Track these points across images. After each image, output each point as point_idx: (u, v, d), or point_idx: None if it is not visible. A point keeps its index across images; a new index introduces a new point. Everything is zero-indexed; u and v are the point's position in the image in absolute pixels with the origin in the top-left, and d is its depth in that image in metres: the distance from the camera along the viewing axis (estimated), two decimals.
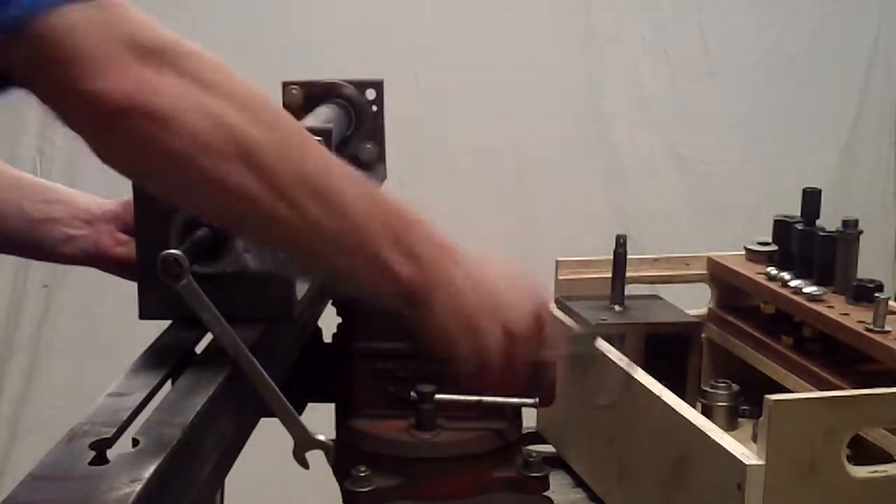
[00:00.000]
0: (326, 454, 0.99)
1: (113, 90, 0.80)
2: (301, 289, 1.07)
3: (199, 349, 1.03)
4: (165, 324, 1.06)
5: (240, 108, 0.86)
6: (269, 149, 0.86)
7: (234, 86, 0.87)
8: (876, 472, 1.12)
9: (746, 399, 1.44)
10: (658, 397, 1.24)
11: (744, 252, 1.61)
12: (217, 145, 0.84)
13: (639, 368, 1.31)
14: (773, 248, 1.57)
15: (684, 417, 1.18)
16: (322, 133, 1.13)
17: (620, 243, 1.52)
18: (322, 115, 1.35)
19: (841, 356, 1.39)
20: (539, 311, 1.05)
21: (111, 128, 0.82)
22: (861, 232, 1.46)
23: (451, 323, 0.99)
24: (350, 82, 1.42)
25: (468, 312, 0.99)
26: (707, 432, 1.14)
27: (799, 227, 1.51)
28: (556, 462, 1.48)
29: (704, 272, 1.64)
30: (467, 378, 1.04)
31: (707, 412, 1.38)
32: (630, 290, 1.54)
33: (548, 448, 1.52)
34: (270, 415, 0.99)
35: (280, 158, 0.87)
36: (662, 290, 1.60)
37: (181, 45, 0.85)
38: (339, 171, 0.93)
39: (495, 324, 1.01)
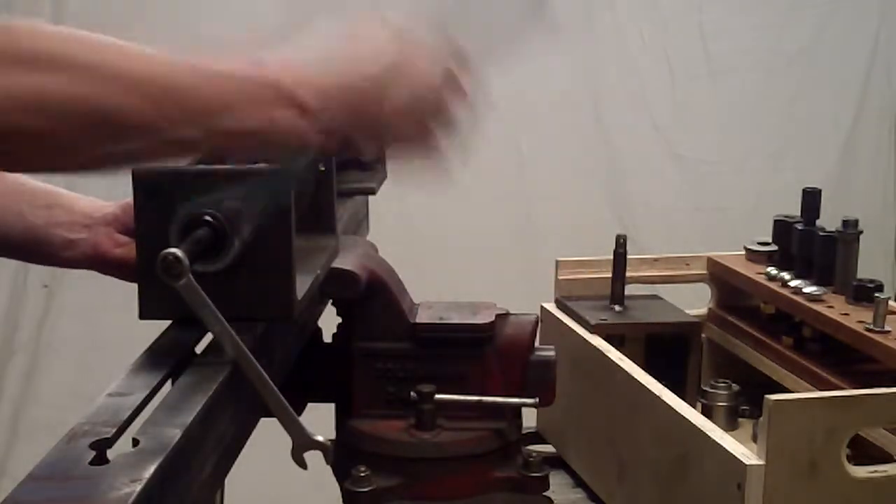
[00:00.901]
0: (325, 455, 0.99)
1: None
2: (301, 289, 1.07)
3: (199, 349, 1.03)
4: (165, 324, 1.06)
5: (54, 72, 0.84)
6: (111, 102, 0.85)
7: (39, 48, 0.85)
8: (876, 472, 1.12)
9: (746, 399, 1.44)
10: (658, 397, 1.24)
11: (744, 252, 1.61)
12: (26, 125, 0.84)
13: (638, 368, 1.32)
14: (773, 248, 1.57)
15: (684, 417, 1.18)
16: None
17: (620, 243, 1.52)
18: None
19: (841, 356, 1.39)
20: (441, 67, 0.99)
21: None
22: (861, 232, 1.46)
23: (362, 120, 0.95)
24: None
25: (364, 108, 0.95)
26: (707, 432, 1.14)
27: (799, 227, 1.51)
28: (556, 462, 1.49)
29: (704, 272, 1.64)
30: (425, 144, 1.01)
31: (707, 412, 1.38)
32: (630, 290, 1.54)
33: (548, 448, 1.52)
34: (271, 415, 0.99)
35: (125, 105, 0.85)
36: (662, 290, 1.60)
37: None
38: (175, 72, 0.89)
39: (399, 93, 0.96)
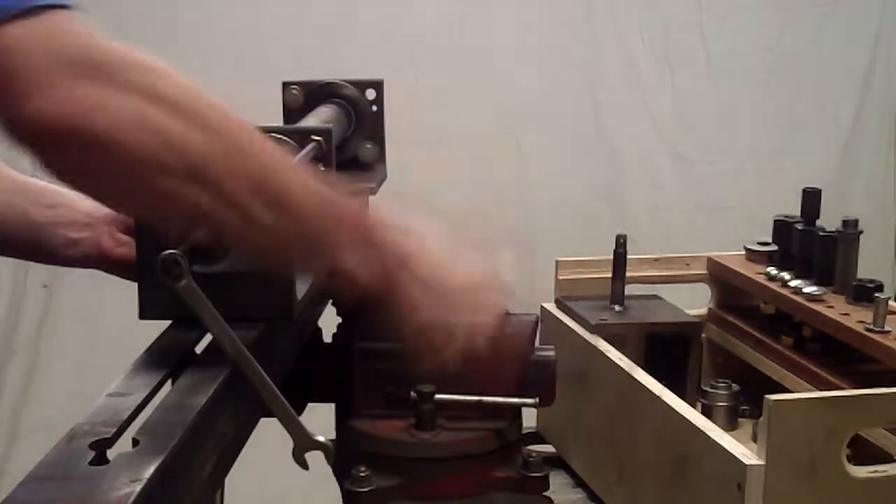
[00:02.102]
0: (326, 455, 0.99)
1: (50, 111, 0.79)
2: (301, 289, 1.07)
3: (199, 349, 1.03)
4: (165, 324, 1.06)
5: (184, 119, 0.84)
6: (215, 158, 0.85)
7: (179, 95, 0.85)
8: (876, 472, 1.12)
9: (746, 399, 1.44)
10: (658, 397, 1.24)
11: (744, 252, 1.61)
12: (160, 161, 0.83)
13: (638, 368, 1.32)
14: (773, 248, 1.57)
15: (684, 417, 1.18)
16: (322, 133, 1.13)
17: (620, 243, 1.52)
18: (322, 115, 1.35)
19: (841, 356, 1.39)
20: (497, 331, 1.06)
21: (51, 147, 0.81)
22: (861, 232, 1.46)
23: (415, 324, 1.00)
24: (350, 82, 1.42)
25: (430, 316, 1.00)
26: (707, 432, 1.14)
27: (799, 227, 1.51)
28: (556, 462, 1.49)
29: (704, 272, 1.64)
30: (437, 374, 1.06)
31: (707, 412, 1.38)
32: (630, 290, 1.54)
33: (548, 448, 1.52)
34: (271, 415, 0.99)
35: (226, 167, 0.86)
36: (662, 290, 1.60)
37: (124, 55, 0.84)
38: (294, 178, 0.92)
39: (451, 340, 1.02)
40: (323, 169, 1.15)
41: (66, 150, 0.81)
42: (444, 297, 1.02)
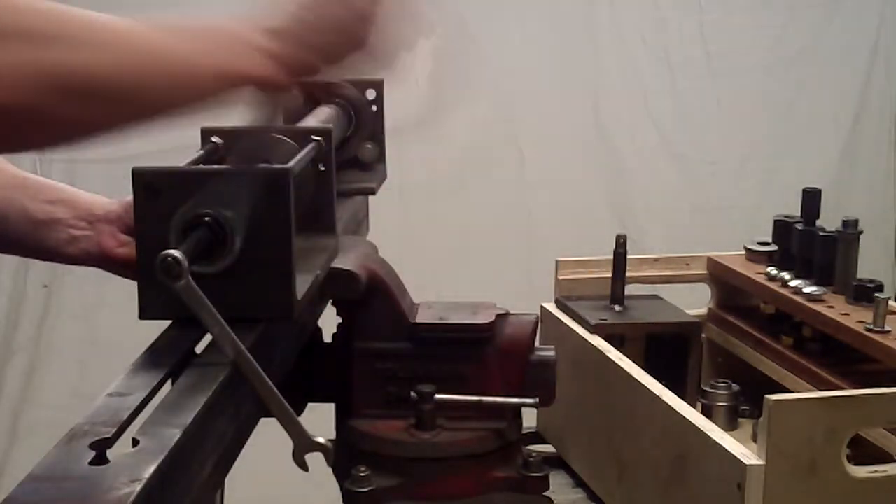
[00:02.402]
0: (325, 456, 0.99)
1: None
2: (301, 289, 1.07)
3: (199, 349, 1.03)
4: (165, 324, 1.06)
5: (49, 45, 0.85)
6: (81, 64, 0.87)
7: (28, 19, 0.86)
8: (876, 472, 1.12)
9: (746, 399, 1.44)
10: (658, 397, 1.24)
11: (744, 252, 1.61)
12: (40, 100, 0.85)
13: (638, 368, 1.32)
14: (773, 248, 1.57)
15: (684, 417, 1.18)
16: (322, 133, 1.13)
17: (620, 243, 1.52)
18: (322, 115, 1.34)
19: (841, 356, 1.39)
20: None
21: None
22: (861, 232, 1.46)
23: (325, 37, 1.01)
24: (350, 82, 1.42)
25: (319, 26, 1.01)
26: (707, 432, 1.14)
27: (799, 227, 1.51)
28: (556, 462, 1.49)
29: (704, 272, 1.64)
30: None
31: (707, 412, 1.38)
32: (630, 290, 1.54)
33: (548, 448, 1.52)
34: (271, 415, 0.99)
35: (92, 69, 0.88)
36: (662, 290, 1.60)
37: None
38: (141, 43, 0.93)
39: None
40: (323, 170, 1.15)
41: None
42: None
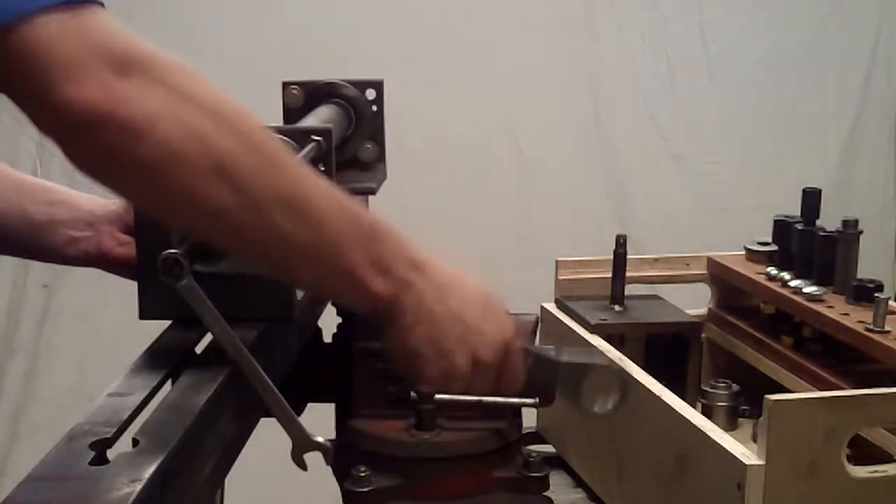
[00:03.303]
0: (324, 456, 0.99)
1: (83, 99, 0.79)
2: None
3: (199, 349, 1.03)
4: (165, 324, 1.06)
5: (216, 120, 0.85)
6: (245, 162, 0.86)
7: (211, 96, 0.86)
8: (876, 472, 1.12)
9: (746, 399, 1.44)
10: (658, 397, 1.24)
11: (744, 252, 1.60)
12: (191, 157, 0.83)
13: (638, 368, 1.32)
14: (773, 248, 1.57)
15: (684, 417, 1.18)
16: (322, 133, 1.13)
17: (620, 243, 1.52)
18: (322, 115, 1.35)
19: (841, 356, 1.39)
20: (508, 344, 1.05)
21: (82, 136, 0.81)
22: (861, 232, 1.45)
23: (419, 343, 1.00)
24: (350, 82, 1.42)
25: (436, 335, 1.00)
26: (707, 432, 1.14)
27: (799, 227, 1.51)
28: (556, 462, 1.49)
29: (704, 272, 1.64)
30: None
31: (707, 412, 1.38)
32: (630, 290, 1.54)
33: (548, 448, 1.52)
34: (271, 415, 0.99)
35: (255, 172, 0.86)
36: (662, 290, 1.60)
37: (158, 54, 0.85)
38: (314, 186, 0.92)
39: (463, 350, 1.01)
40: (323, 170, 1.15)
41: (97, 137, 0.81)
42: (457, 307, 1.01)
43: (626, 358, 1.35)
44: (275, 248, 0.91)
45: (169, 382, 0.97)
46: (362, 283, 0.95)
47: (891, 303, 1.35)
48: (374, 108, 1.44)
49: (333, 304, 1.23)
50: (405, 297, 0.98)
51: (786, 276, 1.49)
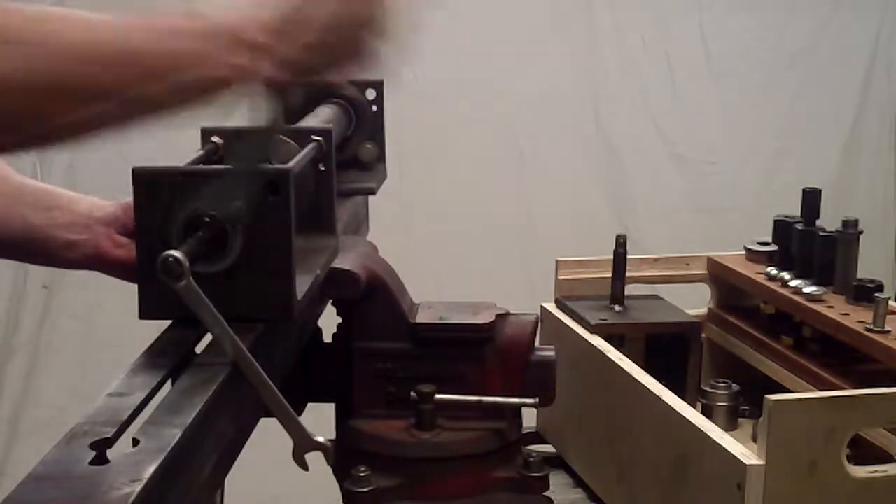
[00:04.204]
0: (325, 455, 0.99)
1: None
2: (301, 289, 1.07)
3: (199, 349, 1.03)
4: (165, 324, 1.06)
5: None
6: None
7: None
8: (876, 472, 1.12)
9: (746, 399, 1.44)
10: (658, 397, 1.24)
11: (744, 252, 1.61)
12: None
13: (638, 368, 1.32)
14: (773, 248, 1.57)
15: (684, 417, 1.18)
16: (322, 133, 1.13)
17: (620, 243, 1.52)
18: (322, 115, 1.35)
19: (841, 356, 1.39)
20: None
21: None
22: (861, 232, 1.46)
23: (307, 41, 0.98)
24: (350, 82, 1.42)
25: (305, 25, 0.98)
26: (707, 432, 1.14)
27: (799, 227, 1.51)
28: (556, 462, 1.49)
29: (704, 272, 1.64)
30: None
31: (707, 412, 1.38)
32: (630, 290, 1.54)
33: (548, 448, 1.52)
34: (271, 415, 0.99)
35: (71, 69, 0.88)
36: (662, 290, 1.60)
37: None
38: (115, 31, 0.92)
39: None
40: (323, 170, 1.15)
41: None
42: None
43: (626, 358, 1.35)
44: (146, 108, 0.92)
45: (169, 382, 0.97)
46: (193, 59, 0.93)
47: (891, 303, 1.35)
48: (374, 108, 1.44)
49: (336, 300, 1.22)
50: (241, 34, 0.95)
51: (786, 276, 1.49)
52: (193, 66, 0.93)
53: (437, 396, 1.17)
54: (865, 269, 1.46)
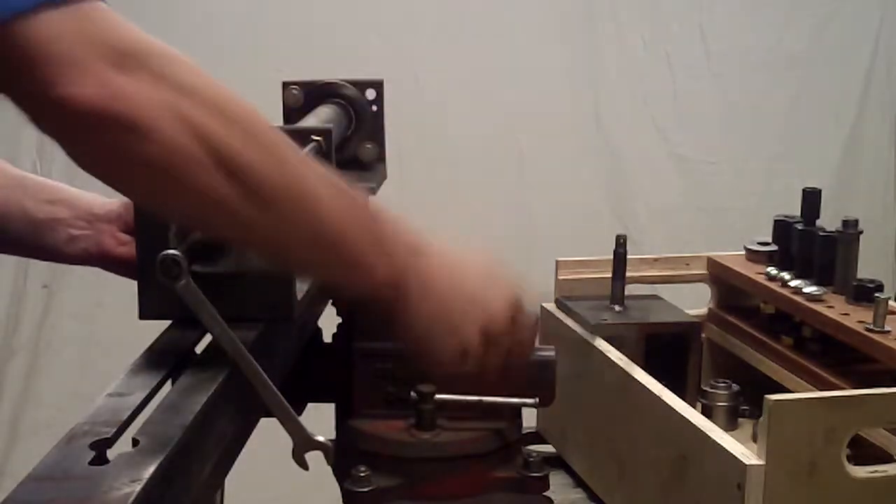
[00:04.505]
0: (325, 455, 0.99)
1: (84, 95, 0.78)
2: (301, 289, 1.07)
3: (199, 349, 1.03)
4: (165, 324, 1.06)
5: (218, 115, 0.84)
6: (248, 157, 0.85)
7: (213, 92, 0.85)
8: (876, 472, 1.12)
9: (746, 399, 1.44)
10: (658, 397, 1.24)
11: (744, 252, 1.61)
12: (194, 154, 0.82)
13: (638, 368, 1.32)
14: (773, 248, 1.57)
15: (684, 417, 1.18)
16: (322, 133, 1.13)
17: (620, 243, 1.51)
18: (322, 115, 1.35)
19: (841, 356, 1.39)
20: (516, 310, 1.06)
21: (83, 134, 0.80)
22: (861, 232, 1.46)
23: (428, 322, 1.00)
24: (350, 82, 1.42)
25: (444, 311, 1.00)
26: (707, 432, 1.14)
27: (799, 227, 1.51)
28: (556, 462, 1.49)
29: (704, 272, 1.64)
30: (446, 376, 1.06)
31: (707, 412, 1.38)
32: (630, 290, 1.54)
33: (548, 448, 1.52)
34: (271, 415, 0.99)
35: (257, 166, 0.86)
36: (662, 290, 1.60)
37: (159, 48, 0.84)
38: (316, 176, 0.92)
39: (472, 322, 1.01)
40: None
41: (101, 136, 0.80)
42: (460, 281, 1.01)
43: (625, 358, 1.35)
44: (278, 239, 0.91)
45: (169, 382, 0.97)
46: (365, 268, 0.95)
47: (891, 303, 1.35)
48: (374, 108, 1.44)
49: (336, 300, 1.23)
50: (408, 279, 0.98)
51: (786, 276, 1.49)
52: (361, 277, 0.96)
53: (437, 396, 1.17)
54: (865, 269, 1.46)
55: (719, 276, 1.62)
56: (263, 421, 1.05)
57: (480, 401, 1.17)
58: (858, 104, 3.32)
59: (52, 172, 2.61)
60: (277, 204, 0.88)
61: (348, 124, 1.42)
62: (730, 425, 1.40)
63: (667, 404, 1.22)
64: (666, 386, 1.26)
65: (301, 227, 0.90)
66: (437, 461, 1.17)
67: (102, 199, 1.28)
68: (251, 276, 1.01)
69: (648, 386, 1.27)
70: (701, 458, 1.15)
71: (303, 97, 1.40)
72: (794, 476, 1.08)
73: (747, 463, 1.07)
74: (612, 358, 1.35)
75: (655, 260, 1.62)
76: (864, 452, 1.23)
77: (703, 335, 1.55)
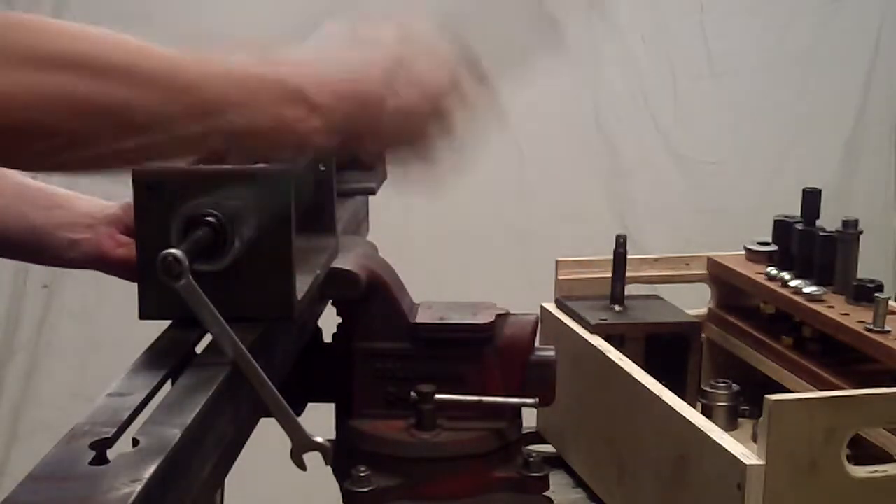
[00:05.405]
0: (324, 456, 0.99)
1: None
2: (301, 289, 1.07)
3: (199, 349, 1.03)
4: (165, 324, 1.06)
5: (76, 73, 0.83)
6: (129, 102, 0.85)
7: (64, 49, 0.84)
8: (876, 472, 1.12)
9: (746, 399, 1.44)
10: (658, 397, 1.24)
11: (744, 252, 1.61)
12: (85, 131, 0.84)
13: (638, 368, 1.32)
14: (773, 248, 1.57)
15: (684, 417, 1.18)
16: None
17: (620, 243, 1.52)
18: None
19: (841, 356, 1.39)
20: (445, 68, 1.01)
21: None
22: (861, 232, 1.46)
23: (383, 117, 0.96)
24: None
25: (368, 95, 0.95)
26: (707, 432, 1.14)
27: (799, 227, 1.51)
28: (556, 462, 1.49)
29: (704, 272, 1.64)
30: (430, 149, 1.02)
31: (707, 412, 1.38)
32: (630, 290, 1.54)
33: (548, 448, 1.52)
34: (270, 415, 0.99)
35: (144, 101, 0.85)
36: (662, 290, 1.60)
37: None
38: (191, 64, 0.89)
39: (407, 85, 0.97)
40: (323, 170, 1.15)
41: None
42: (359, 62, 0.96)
43: (626, 358, 1.35)
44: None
45: (169, 382, 0.97)
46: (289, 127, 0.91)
47: (891, 303, 1.35)
48: None
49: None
50: (305, 91, 0.92)
51: (786, 276, 1.49)
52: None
53: (437, 396, 1.17)
54: (865, 269, 1.46)
55: (719, 276, 1.62)
56: (263, 421, 1.05)
57: (480, 401, 1.17)
58: (859, 104, 3.33)
59: (51, 177, 2.61)
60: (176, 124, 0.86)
61: None
62: (730, 425, 1.40)
63: (667, 404, 1.22)
64: (666, 386, 1.26)
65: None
66: (437, 461, 1.17)
67: (101, 202, 1.28)
68: (251, 275, 1.01)
69: (648, 386, 1.27)
70: (701, 458, 1.15)
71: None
72: (793, 476, 1.08)
73: (747, 463, 1.07)
74: (612, 358, 1.35)
75: (655, 260, 1.62)
76: (864, 452, 1.23)
77: (703, 335, 1.55)
